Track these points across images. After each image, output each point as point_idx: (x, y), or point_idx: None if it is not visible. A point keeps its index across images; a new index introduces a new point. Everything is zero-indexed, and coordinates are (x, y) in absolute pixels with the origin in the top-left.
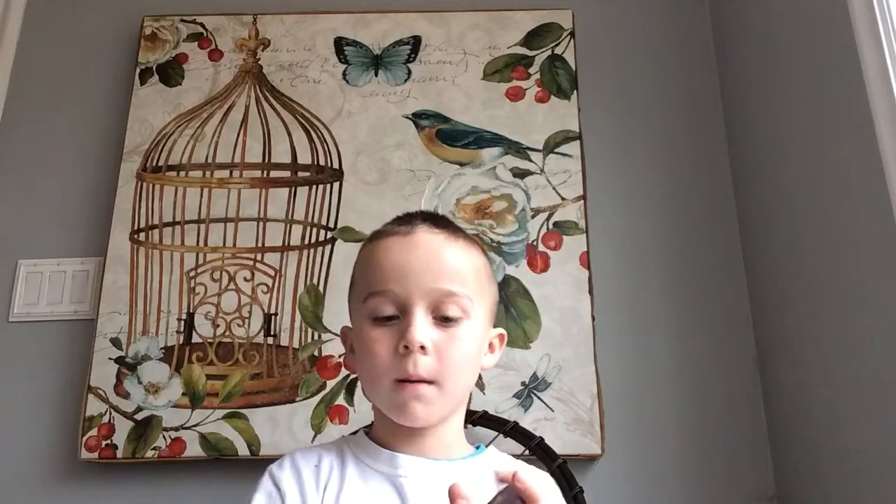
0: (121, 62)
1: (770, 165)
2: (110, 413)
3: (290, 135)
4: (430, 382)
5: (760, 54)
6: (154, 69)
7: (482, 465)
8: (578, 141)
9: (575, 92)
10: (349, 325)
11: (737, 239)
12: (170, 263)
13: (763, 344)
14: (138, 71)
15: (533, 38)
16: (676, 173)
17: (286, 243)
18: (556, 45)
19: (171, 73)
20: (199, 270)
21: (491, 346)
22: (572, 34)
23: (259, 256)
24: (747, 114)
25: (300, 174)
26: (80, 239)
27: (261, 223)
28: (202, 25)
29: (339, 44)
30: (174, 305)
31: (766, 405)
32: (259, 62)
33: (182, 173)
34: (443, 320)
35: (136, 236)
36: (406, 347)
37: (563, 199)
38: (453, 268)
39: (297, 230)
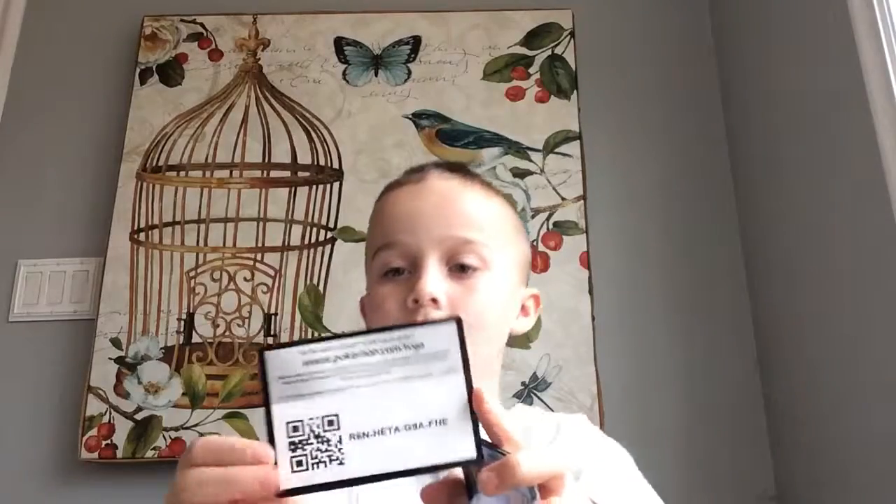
0: (121, 62)
1: (770, 165)
2: (110, 413)
3: (290, 135)
4: None
5: (760, 54)
6: (154, 69)
7: (495, 400)
8: (578, 141)
9: (575, 92)
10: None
11: (737, 239)
12: (170, 263)
13: (763, 344)
14: (138, 71)
15: (533, 38)
16: (676, 173)
17: (286, 243)
18: (556, 45)
19: (171, 73)
20: (199, 270)
21: (524, 309)
22: (572, 34)
23: (259, 256)
24: (747, 113)
25: (300, 174)
26: (80, 239)
27: (261, 223)
28: (202, 25)
29: (339, 44)
30: (174, 305)
31: (766, 405)
32: (259, 62)
33: (182, 173)
34: (459, 270)
35: (136, 236)
36: (416, 301)
37: (563, 199)
38: (468, 213)
39: (297, 230)
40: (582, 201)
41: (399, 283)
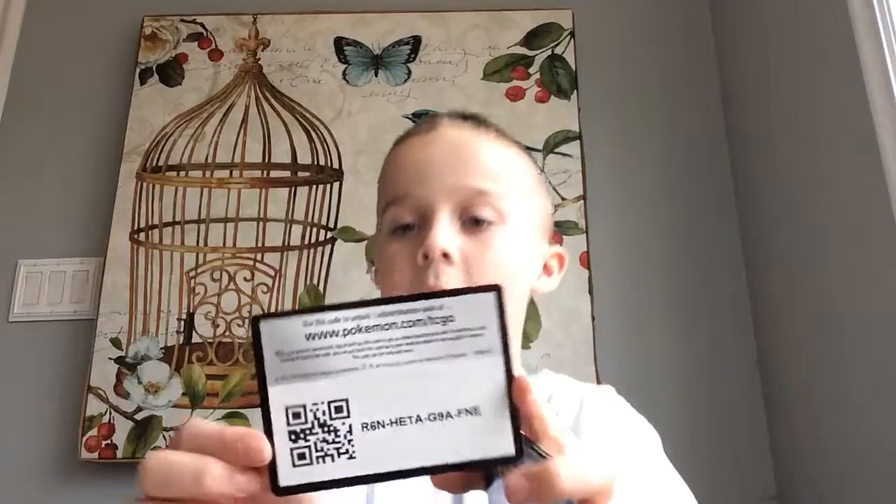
0: (121, 62)
1: (770, 165)
2: (110, 413)
3: (290, 135)
4: None
5: (760, 54)
6: (154, 69)
7: (538, 387)
8: (578, 141)
9: (575, 92)
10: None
11: (737, 239)
12: (170, 263)
13: (763, 344)
14: (138, 71)
15: (533, 37)
16: (676, 173)
17: (286, 243)
18: (556, 45)
19: (171, 73)
20: (199, 270)
21: (547, 268)
22: (572, 34)
23: (259, 256)
24: (747, 113)
25: (300, 174)
26: (80, 239)
27: (261, 223)
28: (202, 25)
29: (339, 44)
30: (174, 305)
31: (766, 405)
32: (259, 62)
33: (182, 173)
34: (472, 224)
35: (136, 236)
36: (425, 256)
37: (563, 199)
38: (483, 162)
39: (297, 230)
40: (582, 201)
41: (409, 240)
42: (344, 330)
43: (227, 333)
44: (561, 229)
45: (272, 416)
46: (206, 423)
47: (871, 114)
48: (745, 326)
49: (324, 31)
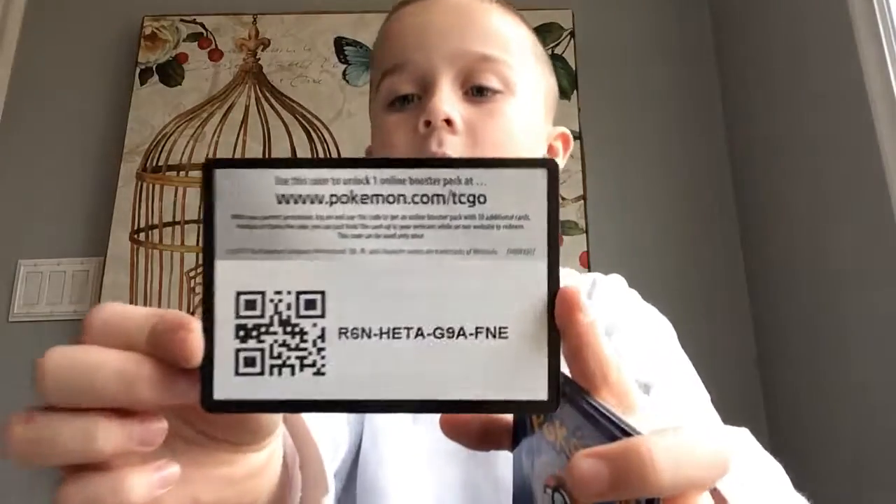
0: (121, 62)
1: (770, 165)
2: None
3: (290, 135)
4: None
5: (760, 54)
6: (154, 69)
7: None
8: (578, 141)
9: (575, 92)
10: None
11: (737, 239)
12: (170, 263)
13: (763, 344)
14: (138, 71)
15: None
16: (676, 173)
17: None
18: (556, 45)
19: (171, 73)
20: (199, 270)
21: (553, 149)
22: (572, 34)
23: None
24: (747, 113)
25: None
26: (80, 239)
27: None
28: (202, 25)
29: (339, 44)
30: (174, 305)
31: (766, 405)
32: (259, 62)
33: (182, 173)
34: (476, 93)
35: (136, 236)
36: (427, 124)
37: (563, 199)
38: (487, 27)
39: None
40: (582, 201)
41: (408, 111)
42: (331, 196)
43: None
44: (561, 229)
45: (216, 301)
46: (123, 307)
47: (871, 114)
48: (745, 327)
49: (324, 31)
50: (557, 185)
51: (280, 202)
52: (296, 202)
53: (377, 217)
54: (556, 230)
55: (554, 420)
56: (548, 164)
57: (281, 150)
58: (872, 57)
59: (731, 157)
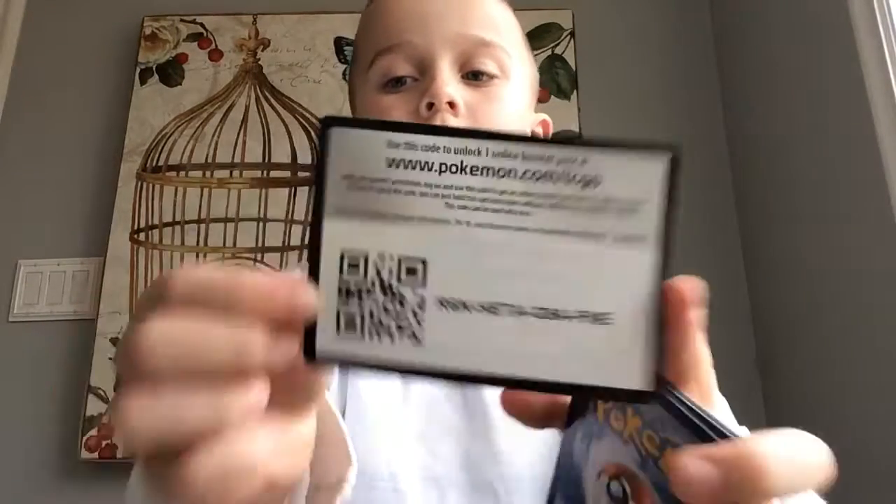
0: (121, 62)
1: (770, 165)
2: (110, 413)
3: (290, 135)
4: None
5: (760, 54)
6: (154, 69)
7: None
8: None
9: (575, 92)
10: None
11: (737, 239)
12: (170, 263)
13: (763, 344)
14: (138, 71)
15: (533, 38)
16: None
17: (286, 243)
18: (556, 45)
19: (171, 73)
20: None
21: (534, 135)
22: (572, 34)
23: (259, 256)
24: (747, 113)
25: (300, 174)
26: (80, 239)
27: (261, 223)
28: (202, 25)
29: (339, 44)
30: None
31: (766, 405)
32: (259, 62)
33: (182, 173)
34: (473, 77)
35: (136, 236)
36: (430, 106)
37: None
38: (485, 12)
39: (297, 230)
40: None
41: (406, 93)
42: (441, 165)
43: None
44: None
45: (322, 258)
46: (197, 272)
47: (871, 114)
48: (745, 326)
49: (324, 31)
50: (680, 171)
51: (390, 166)
52: (405, 167)
53: (485, 190)
54: (674, 219)
55: (626, 409)
56: (672, 150)
57: (281, 150)
58: (872, 57)
59: (731, 158)
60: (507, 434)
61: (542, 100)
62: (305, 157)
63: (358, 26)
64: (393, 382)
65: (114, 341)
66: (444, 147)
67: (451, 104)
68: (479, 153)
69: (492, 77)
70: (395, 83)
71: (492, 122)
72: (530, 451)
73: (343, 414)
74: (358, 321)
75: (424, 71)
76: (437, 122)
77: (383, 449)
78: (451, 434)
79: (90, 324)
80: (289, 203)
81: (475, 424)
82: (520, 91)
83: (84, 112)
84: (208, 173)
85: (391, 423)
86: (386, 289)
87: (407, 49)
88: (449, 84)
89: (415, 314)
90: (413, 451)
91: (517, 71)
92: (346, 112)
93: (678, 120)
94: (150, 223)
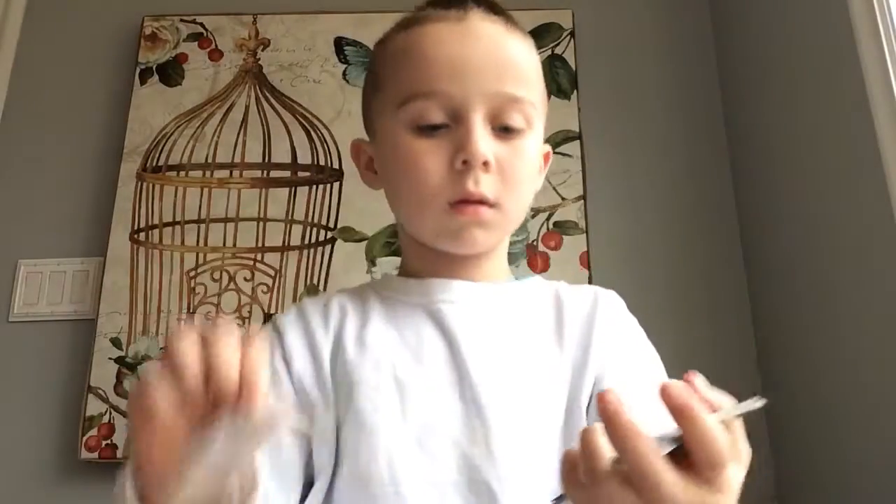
0: (121, 62)
1: (770, 165)
2: (110, 413)
3: (290, 135)
4: (491, 205)
5: (760, 54)
6: (154, 69)
7: (532, 290)
8: (578, 141)
9: (575, 92)
10: (363, 138)
11: (737, 239)
12: (170, 263)
13: (763, 344)
14: (138, 71)
15: (533, 37)
16: (676, 173)
17: (286, 243)
18: (556, 45)
19: (171, 73)
20: (199, 270)
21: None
22: (572, 34)
23: (259, 256)
24: (747, 113)
25: (300, 174)
26: (80, 239)
27: (261, 223)
28: (202, 25)
29: (339, 44)
30: (174, 305)
31: (766, 405)
32: (259, 62)
33: (182, 173)
34: (503, 131)
35: (136, 236)
36: (465, 162)
37: (563, 199)
38: (519, 66)
39: (297, 230)
40: (582, 201)
41: (439, 140)
42: None
43: None
44: (561, 229)
45: None
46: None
47: (871, 114)
48: (745, 326)
49: (324, 31)
50: None
51: None
52: None
53: None
54: None
55: None
56: None
57: (281, 150)
58: (872, 57)
59: (731, 157)
60: (505, 437)
61: None
62: (305, 156)
63: (385, 51)
64: (390, 388)
65: (114, 341)
66: None
67: (486, 163)
68: None
69: (520, 131)
70: (428, 128)
71: (518, 176)
72: (528, 454)
73: (343, 421)
74: None
75: (457, 120)
76: (471, 178)
77: (383, 454)
78: (449, 438)
79: (90, 324)
80: (289, 203)
81: (473, 428)
82: (539, 137)
83: (84, 112)
84: (208, 173)
85: (390, 429)
86: None
87: (443, 99)
88: (482, 143)
89: None
90: (412, 456)
91: (539, 119)
92: (346, 111)
93: (678, 120)
94: (150, 223)
